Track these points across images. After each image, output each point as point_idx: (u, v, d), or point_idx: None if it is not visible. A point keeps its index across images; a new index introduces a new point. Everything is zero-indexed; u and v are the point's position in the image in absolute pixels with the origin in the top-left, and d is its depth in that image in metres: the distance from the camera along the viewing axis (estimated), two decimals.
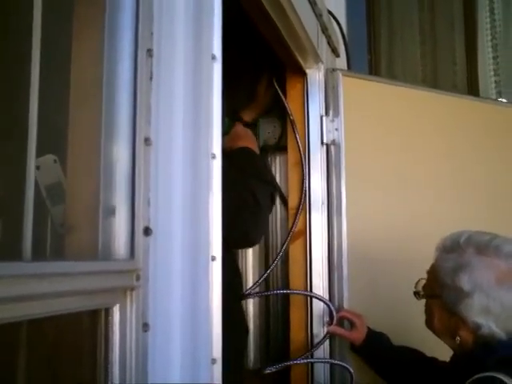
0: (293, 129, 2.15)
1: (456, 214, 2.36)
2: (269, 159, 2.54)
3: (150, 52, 1.03)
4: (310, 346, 2.11)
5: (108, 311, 0.94)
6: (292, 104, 2.19)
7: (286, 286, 2.22)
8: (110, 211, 0.98)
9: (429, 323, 1.65)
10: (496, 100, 3.20)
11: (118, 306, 0.95)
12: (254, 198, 1.80)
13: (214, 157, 1.21)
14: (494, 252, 1.50)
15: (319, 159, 2.17)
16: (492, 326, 1.47)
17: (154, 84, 1.04)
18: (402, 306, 2.21)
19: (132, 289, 0.97)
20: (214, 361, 1.20)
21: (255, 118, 2.31)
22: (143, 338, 0.99)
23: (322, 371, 2.10)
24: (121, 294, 0.96)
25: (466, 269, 1.49)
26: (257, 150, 2.04)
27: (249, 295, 2.08)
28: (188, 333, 1.12)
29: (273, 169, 2.54)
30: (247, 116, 2.26)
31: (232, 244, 1.76)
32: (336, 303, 2.16)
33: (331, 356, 2.14)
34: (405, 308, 2.19)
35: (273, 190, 1.94)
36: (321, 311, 2.12)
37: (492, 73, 3.34)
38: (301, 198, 2.14)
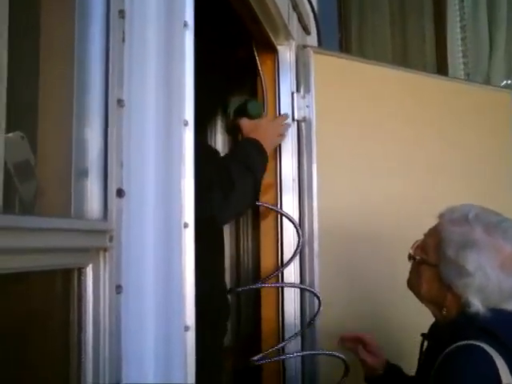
0: (263, 101, 2.15)
1: (426, 191, 2.39)
2: (239, 136, 2.55)
3: (121, 13, 1.03)
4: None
5: (81, 271, 0.94)
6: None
7: (257, 260, 2.22)
8: (83, 173, 0.97)
9: (413, 285, 1.63)
10: (466, 80, 3.25)
11: (91, 266, 0.95)
12: (229, 177, 1.78)
13: (186, 124, 1.20)
14: (502, 235, 1.49)
15: (290, 136, 2.17)
16: (480, 306, 1.47)
17: (126, 46, 1.04)
18: (373, 283, 2.24)
19: (105, 250, 0.97)
20: (187, 328, 1.19)
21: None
22: (116, 300, 0.99)
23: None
24: (94, 254, 0.96)
25: (473, 248, 1.47)
26: (268, 149, 2.02)
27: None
28: (161, 298, 1.11)
29: None
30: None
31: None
32: (307, 280, 2.17)
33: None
34: (376, 284, 2.22)
35: (255, 179, 1.91)
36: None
37: (460, 54, 3.37)
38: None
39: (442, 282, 1.53)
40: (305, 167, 2.19)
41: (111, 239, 0.98)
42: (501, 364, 1.39)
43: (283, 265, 2.13)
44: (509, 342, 1.43)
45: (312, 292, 2.09)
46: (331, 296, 2.12)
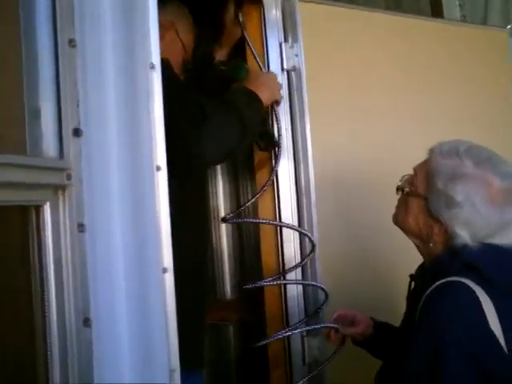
0: (253, 54, 2.11)
1: (421, 139, 2.35)
2: None
3: None
4: (282, 269, 2.12)
5: (39, 209, 0.95)
6: (250, 33, 2.16)
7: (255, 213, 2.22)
8: (36, 113, 0.97)
9: (400, 219, 1.62)
10: (461, 21, 3.19)
11: (48, 204, 0.95)
12: (202, 112, 1.65)
13: (152, 66, 1.20)
14: (491, 169, 1.49)
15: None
16: (467, 238, 1.46)
17: None
18: (371, 229, 2.23)
19: (63, 188, 0.98)
20: (165, 270, 1.19)
21: (228, 53, 2.25)
22: (79, 239, 1.00)
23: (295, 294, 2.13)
24: (51, 192, 0.96)
25: (462, 179, 1.47)
26: (265, 100, 1.92)
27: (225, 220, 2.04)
28: (132, 237, 1.11)
29: None
30: (219, 54, 2.21)
31: (177, 164, 1.58)
32: (305, 227, 2.16)
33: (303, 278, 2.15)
34: (374, 230, 2.22)
35: (239, 115, 1.77)
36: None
37: None
38: None
39: (429, 214, 1.53)
40: (297, 117, 2.17)
41: (69, 178, 0.98)
42: (485, 301, 1.38)
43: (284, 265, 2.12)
44: (494, 278, 1.42)
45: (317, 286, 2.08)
46: (329, 244, 2.12)
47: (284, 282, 2.11)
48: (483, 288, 1.40)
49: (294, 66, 2.17)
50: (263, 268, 2.17)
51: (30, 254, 0.94)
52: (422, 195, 1.55)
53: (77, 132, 1.00)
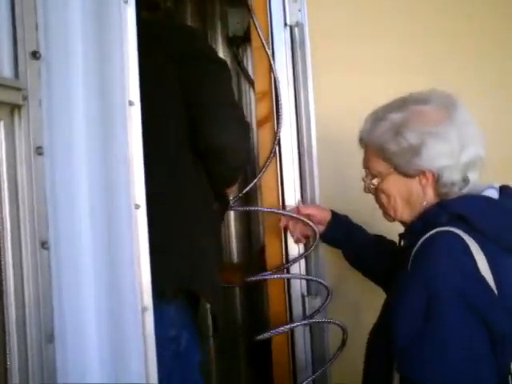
0: (249, 10, 2.08)
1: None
2: (239, 51, 2.53)
3: None
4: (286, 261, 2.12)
5: None
6: None
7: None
8: None
9: (392, 211, 1.62)
10: None
11: (2, 123, 0.95)
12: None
13: (126, 1, 1.18)
14: (411, 105, 1.54)
15: (283, 41, 2.12)
16: (452, 165, 1.49)
17: None
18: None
19: (19, 108, 0.97)
20: (137, 206, 1.17)
21: None
22: (37, 162, 0.99)
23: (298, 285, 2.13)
24: (6, 111, 0.96)
25: (401, 128, 1.50)
26: None
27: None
28: (98, 163, 1.10)
29: (244, 60, 2.53)
30: None
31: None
32: (308, 188, 2.14)
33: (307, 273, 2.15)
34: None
35: None
36: None
37: None
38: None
39: (408, 176, 1.55)
40: (300, 73, 2.14)
41: (25, 98, 0.97)
42: (475, 248, 1.39)
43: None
44: (481, 227, 1.44)
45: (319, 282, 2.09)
46: (330, 202, 2.10)
47: (286, 275, 2.12)
48: (472, 236, 1.41)
49: (297, 22, 2.14)
50: (267, 251, 2.16)
51: None
52: (389, 171, 1.57)
53: (35, 54, 0.99)
